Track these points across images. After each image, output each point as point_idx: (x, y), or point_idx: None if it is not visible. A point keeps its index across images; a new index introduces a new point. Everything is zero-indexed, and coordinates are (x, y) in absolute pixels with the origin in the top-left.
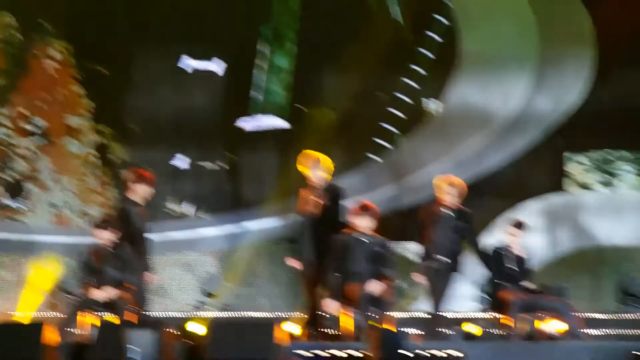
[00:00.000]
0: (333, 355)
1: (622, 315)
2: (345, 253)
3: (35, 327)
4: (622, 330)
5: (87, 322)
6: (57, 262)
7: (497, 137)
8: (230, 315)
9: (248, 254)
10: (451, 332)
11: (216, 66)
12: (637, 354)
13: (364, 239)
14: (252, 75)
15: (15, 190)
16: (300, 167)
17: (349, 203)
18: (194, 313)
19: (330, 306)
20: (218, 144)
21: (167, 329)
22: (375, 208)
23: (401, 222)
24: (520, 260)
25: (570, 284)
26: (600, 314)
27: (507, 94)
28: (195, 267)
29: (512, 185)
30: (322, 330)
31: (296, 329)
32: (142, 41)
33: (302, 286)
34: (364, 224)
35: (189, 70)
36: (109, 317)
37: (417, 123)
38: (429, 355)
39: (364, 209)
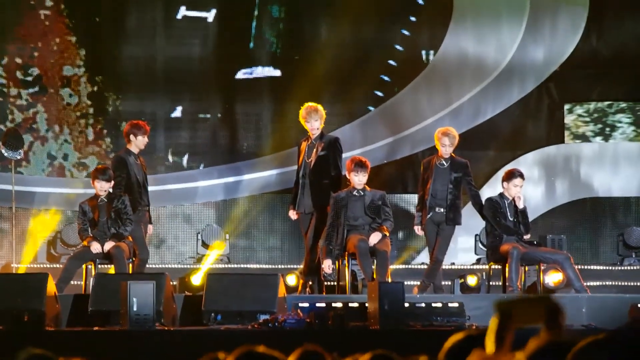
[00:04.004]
0: (331, 307)
1: (622, 267)
2: (343, 209)
3: (40, 277)
4: (622, 282)
5: (85, 274)
6: (55, 214)
7: (493, 88)
8: (230, 267)
9: (246, 206)
10: (449, 284)
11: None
12: (638, 306)
13: (361, 193)
14: (245, 24)
15: (10, 140)
16: (300, 119)
17: (345, 155)
18: (193, 264)
19: (326, 266)
20: (213, 94)
21: (166, 280)
22: (367, 162)
23: (401, 174)
24: (518, 212)
25: (567, 236)
26: (600, 266)
27: (502, 44)
28: (194, 219)
29: (510, 136)
30: (320, 281)
31: (294, 280)
32: None
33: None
34: (358, 179)
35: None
36: (107, 268)
37: (414, 74)
38: (426, 306)
39: (358, 165)
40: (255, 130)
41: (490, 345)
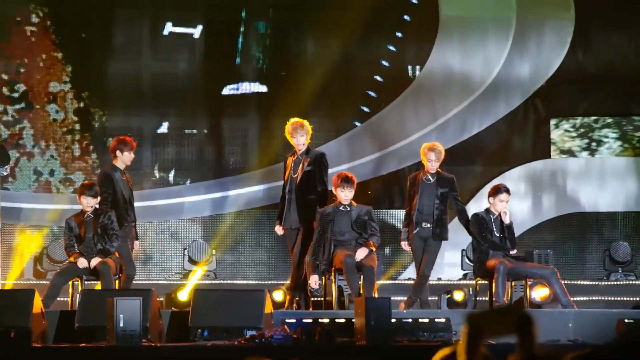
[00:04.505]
0: (318, 323)
1: (608, 282)
2: (329, 224)
3: (27, 293)
4: (609, 297)
5: (72, 290)
6: (41, 230)
7: (479, 103)
8: (216, 282)
9: (232, 221)
10: (436, 299)
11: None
12: (625, 321)
13: (347, 209)
14: (232, 40)
15: None
16: (286, 134)
17: (331, 171)
18: (179, 280)
19: (313, 282)
20: (199, 110)
21: (152, 296)
22: (354, 178)
23: (387, 189)
24: (504, 227)
25: (554, 251)
26: (586, 281)
27: (488, 59)
28: (180, 235)
29: (496, 151)
30: (307, 297)
31: (281, 296)
32: (121, 5)
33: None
34: (345, 195)
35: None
36: (93, 284)
37: (400, 89)
38: (413, 322)
39: (344, 180)
40: (241, 146)
41: (461, 358)
